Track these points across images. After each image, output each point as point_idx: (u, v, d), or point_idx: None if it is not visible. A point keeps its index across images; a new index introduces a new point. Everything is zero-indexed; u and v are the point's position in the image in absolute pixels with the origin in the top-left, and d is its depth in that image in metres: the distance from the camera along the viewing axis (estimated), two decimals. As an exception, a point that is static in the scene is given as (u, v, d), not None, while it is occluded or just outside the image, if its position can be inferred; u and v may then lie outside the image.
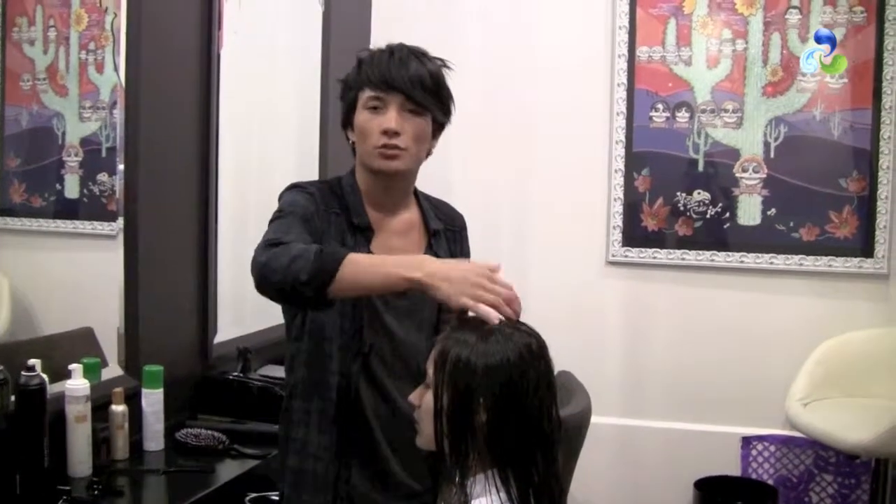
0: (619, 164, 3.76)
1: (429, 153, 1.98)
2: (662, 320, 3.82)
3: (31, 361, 2.09)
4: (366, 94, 1.88)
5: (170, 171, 2.70)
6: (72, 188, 2.53)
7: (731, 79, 3.66)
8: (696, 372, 3.76)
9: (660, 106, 3.72)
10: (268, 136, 3.35)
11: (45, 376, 2.11)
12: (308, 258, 1.65)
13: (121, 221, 2.51)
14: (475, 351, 1.52)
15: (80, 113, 2.52)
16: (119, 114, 2.50)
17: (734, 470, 3.70)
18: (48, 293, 2.47)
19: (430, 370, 1.57)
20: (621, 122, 3.75)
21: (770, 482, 3.66)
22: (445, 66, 1.94)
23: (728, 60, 3.66)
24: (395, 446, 1.95)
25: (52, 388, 2.17)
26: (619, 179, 3.77)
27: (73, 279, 2.54)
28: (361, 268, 1.67)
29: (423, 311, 1.97)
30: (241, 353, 2.85)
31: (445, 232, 2.06)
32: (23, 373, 2.05)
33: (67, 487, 2.07)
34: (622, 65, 3.74)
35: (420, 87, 1.86)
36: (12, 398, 2.05)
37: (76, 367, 2.24)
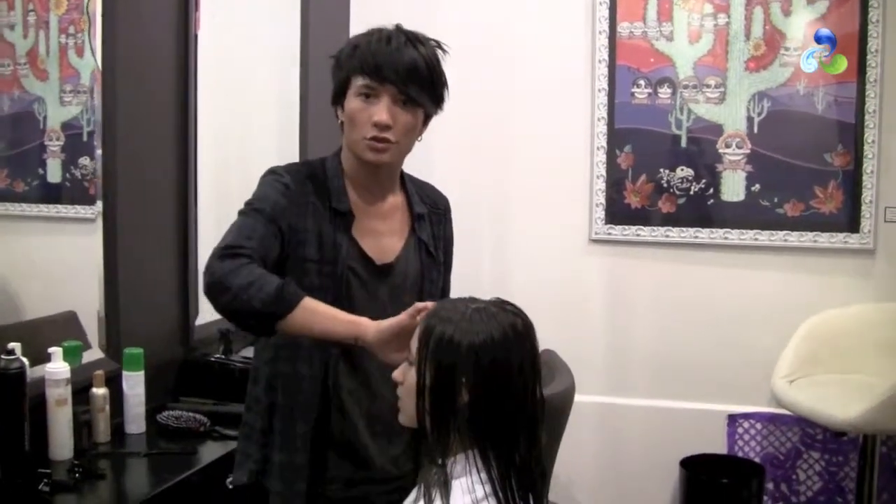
0: (602, 141, 3.74)
1: (418, 139, 1.96)
2: (647, 298, 3.81)
3: (12, 345, 2.09)
4: (358, 82, 1.85)
5: (149, 153, 2.69)
6: (54, 172, 2.52)
7: (713, 54, 3.63)
8: (681, 349, 3.75)
9: (641, 82, 3.70)
10: (248, 117, 3.33)
11: (25, 360, 2.11)
12: (265, 289, 1.70)
13: (100, 205, 2.50)
14: (460, 329, 1.51)
15: (61, 97, 2.52)
16: (96, 97, 2.48)
17: (720, 448, 3.70)
18: (31, 277, 2.47)
19: (414, 347, 1.56)
20: (603, 98, 3.72)
21: (757, 460, 3.66)
22: (440, 47, 1.92)
23: (710, 35, 3.63)
24: (374, 431, 1.94)
25: (34, 372, 2.18)
26: (601, 157, 3.74)
27: (57, 263, 2.54)
28: (312, 317, 1.74)
29: (403, 294, 1.95)
30: (223, 335, 2.85)
31: (430, 215, 2.06)
32: (2, 356, 2.05)
33: (48, 470, 2.06)
34: (603, 41, 3.71)
35: (414, 80, 1.84)
36: (-9, 382, 2.04)
37: (56, 351, 2.24)
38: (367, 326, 1.72)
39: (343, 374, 1.90)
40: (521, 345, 1.54)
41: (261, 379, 1.96)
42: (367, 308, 1.85)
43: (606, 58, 3.71)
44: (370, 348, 1.73)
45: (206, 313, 2.92)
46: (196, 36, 2.84)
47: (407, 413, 1.59)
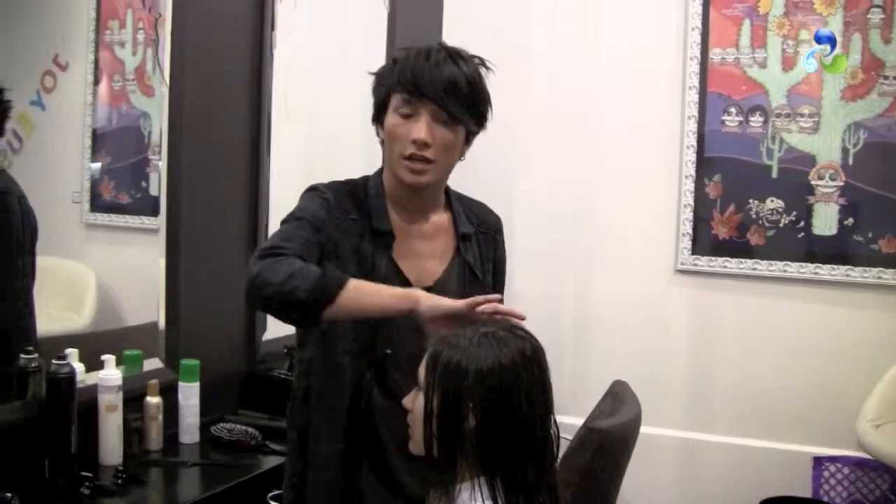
0: (690, 169, 3.65)
1: (460, 158, 1.92)
2: (731, 331, 3.69)
3: (67, 351, 2.15)
4: (397, 98, 1.82)
5: (218, 167, 2.74)
6: (156, 186, 2.60)
7: (807, 82, 3.51)
8: (766, 386, 3.62)
9: (733, 110, 3.60)
10: (333, 133, 3.35)
11: (75, 365, 2.16)
12: (307, 277, 1.65)
13: (163, 216, 2.56)
14: (467, 354, 1.48)
15: (164, 113, 2.58)
16: (164, 112, 2.54)
17: (804, 491, 3.54)
18: (131, 287, 2.57)
19: (422, 373, 1.54)
20: (693, 126, 3.64)
21: (843, 506, 3.50)
22: (483, 65, 1.88)
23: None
24: (405, 455, 1.91)
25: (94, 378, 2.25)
26: (689, 185, 3.66)
27: (154, 274, 2.59)
28: (362, 296, 1.69)
29: None
30: (289, 350, 2.87)
31: (477, 235, 2.00)
32: (53, 361, 2.10)
33: (91, 474, 2.10)
34: (694, 67, 3.63)
35: (454, 96, 1.80)
36: (44, 385, 2.10)
37: (108, 358, 2.29)
38: (419, 301, 1.68)
39: (375, 397, 1.88)
40: (530, 370, 1.50)
41: (297, 395, 1.96)
42: (401, 331, 1.83)
43: (697, 84, 3.63)
44: (420, 320, 1.69)
45: (274, 329, 2.96)
46: (272, 55, 2.88)
47: (416, 440, 1.57)
